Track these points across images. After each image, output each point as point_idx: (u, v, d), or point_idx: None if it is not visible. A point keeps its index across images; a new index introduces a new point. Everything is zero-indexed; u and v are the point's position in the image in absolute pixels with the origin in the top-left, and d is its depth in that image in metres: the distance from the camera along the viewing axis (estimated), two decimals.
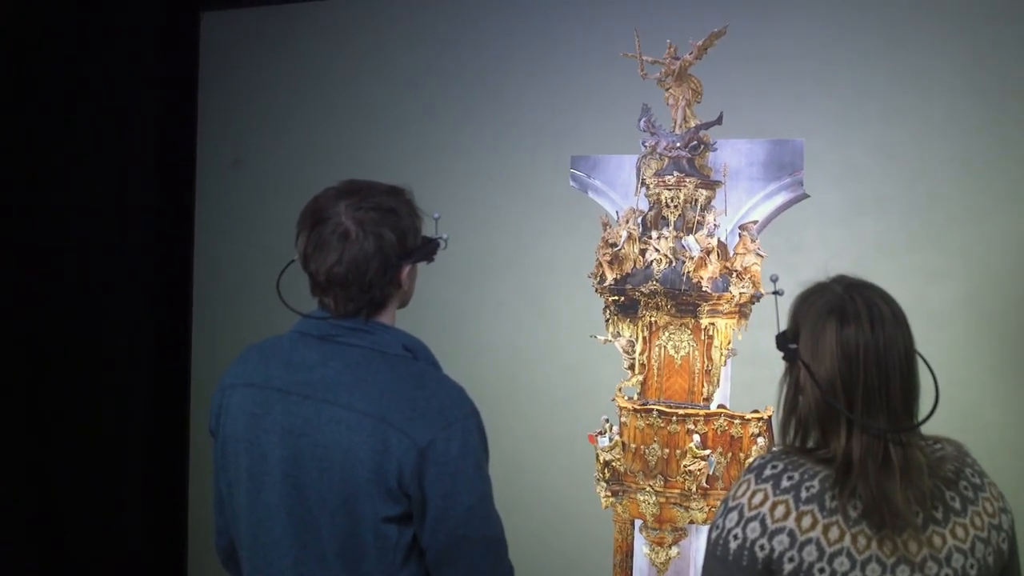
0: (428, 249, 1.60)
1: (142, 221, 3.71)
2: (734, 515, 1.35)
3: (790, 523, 1.31)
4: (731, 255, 2.87)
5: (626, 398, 2.98)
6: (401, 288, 1.57)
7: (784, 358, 1.44)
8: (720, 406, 2.93)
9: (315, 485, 1.46)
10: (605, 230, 3.02)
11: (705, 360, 2.88)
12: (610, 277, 2.94)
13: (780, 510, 1.31)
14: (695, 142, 2.91)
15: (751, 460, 1.44)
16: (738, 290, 2.83)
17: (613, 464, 2.96)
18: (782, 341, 1.43)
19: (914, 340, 1.39)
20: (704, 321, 2.86)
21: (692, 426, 2.86)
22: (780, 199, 2.91)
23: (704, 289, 2.81)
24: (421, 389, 1.48)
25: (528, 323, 3.20)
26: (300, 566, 1.49)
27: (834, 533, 1.29)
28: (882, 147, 2.83)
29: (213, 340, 3.72)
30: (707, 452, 2.86)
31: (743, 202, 2.96)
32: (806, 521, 1.30)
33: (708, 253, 2.81)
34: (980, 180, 2.75)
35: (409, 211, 1.57)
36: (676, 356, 2.91)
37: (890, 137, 2.82)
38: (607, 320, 3.00)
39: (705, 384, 2.89)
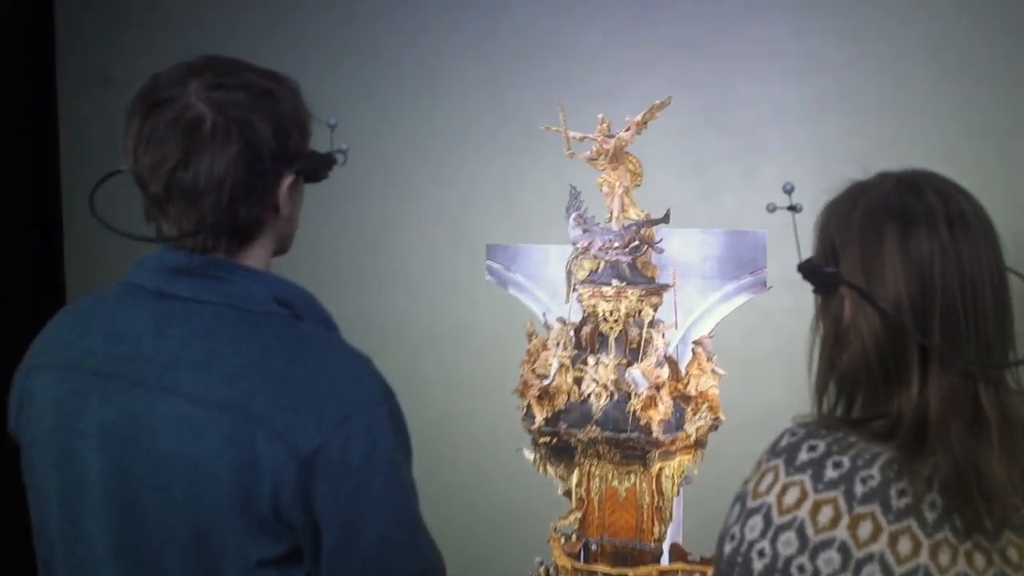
0: (319, 161, 1.10)
1: None
2: (757, 521, 0.95)
3: (840, 532, 0.91)
4: (683, 375, 2.33)
5: (562, 540, 2.43)
6: (279, 214, 1.08)
7: (816, 291, 1.02)
8: (674, 545, 2.45)
9: (152, 511, 1.01)
10: (530, 341, 2.43)
11: (655, 495, 2.36)
12: (539, 417, 2.33)
13: (826, 513, 0.92)
14: (636, 242, 2.35)
15: (775, 439, 0.99)
16: (694, 426, 2.31)
17: None
18: (809, 268, 1.01)
19: (1003, 249, 0.99)
20: (654, 468, 2.35)
21: None
22: (738, 301, 2.44)
23: (654, 435, 2.26)
24: (303, 363, 1.01)
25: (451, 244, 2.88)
26: None
27: (905, 545, 0.90)
28: (847, 35, 2.60)
29: (90, 285, 3.31)
30: None
31: (695, 304, 2.46)
32: (864, 529, 0.91)
33: (658, 389, 2.25)
34: (954, 68, 2.53)
35: (294, 101, 1.08)
36: (620, 488, 2.38)
37: (856, 24, 2.60)
38: (536, 463, 2.44)
39: (656, 523, 2.38)
